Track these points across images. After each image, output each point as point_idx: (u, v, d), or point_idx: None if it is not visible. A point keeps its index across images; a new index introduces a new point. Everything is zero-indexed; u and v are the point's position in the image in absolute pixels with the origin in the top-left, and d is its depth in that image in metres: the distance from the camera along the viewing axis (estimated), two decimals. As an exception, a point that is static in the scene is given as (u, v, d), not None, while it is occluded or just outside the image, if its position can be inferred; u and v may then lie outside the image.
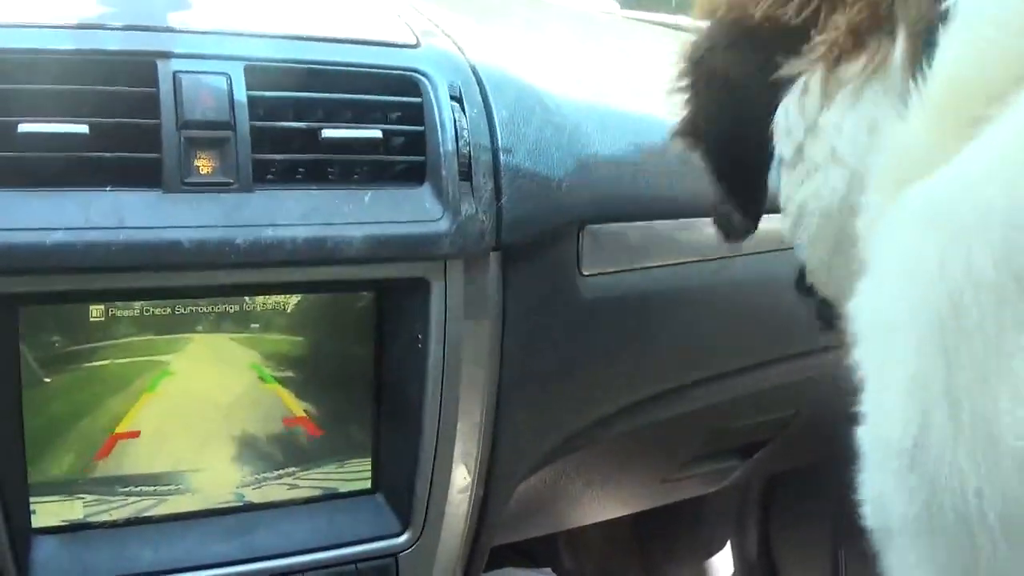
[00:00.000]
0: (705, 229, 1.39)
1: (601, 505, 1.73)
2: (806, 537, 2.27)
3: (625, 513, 1.93)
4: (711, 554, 2.33)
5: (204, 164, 1.04)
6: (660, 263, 1.38)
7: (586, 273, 1.30)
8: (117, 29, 1.07)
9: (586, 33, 1.66)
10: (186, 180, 1.03)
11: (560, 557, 2.27)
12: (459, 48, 1.24)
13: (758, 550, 2.36)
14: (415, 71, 1.17)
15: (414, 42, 1.21)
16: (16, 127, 0.98)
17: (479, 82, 1.22)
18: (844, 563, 2.15)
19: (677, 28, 1.88)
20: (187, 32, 1.09)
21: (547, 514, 1.67)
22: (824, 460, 1.48)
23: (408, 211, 1.12)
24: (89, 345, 1.06)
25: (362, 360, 1.17)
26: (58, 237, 0.97)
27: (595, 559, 2.33)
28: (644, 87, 1.46)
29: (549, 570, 2.30)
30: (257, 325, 1.12)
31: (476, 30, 1.32)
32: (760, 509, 2.36)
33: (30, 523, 1.07)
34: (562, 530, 2.04)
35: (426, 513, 1.20)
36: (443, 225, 1.13)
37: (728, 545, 2.35)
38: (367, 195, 1.10)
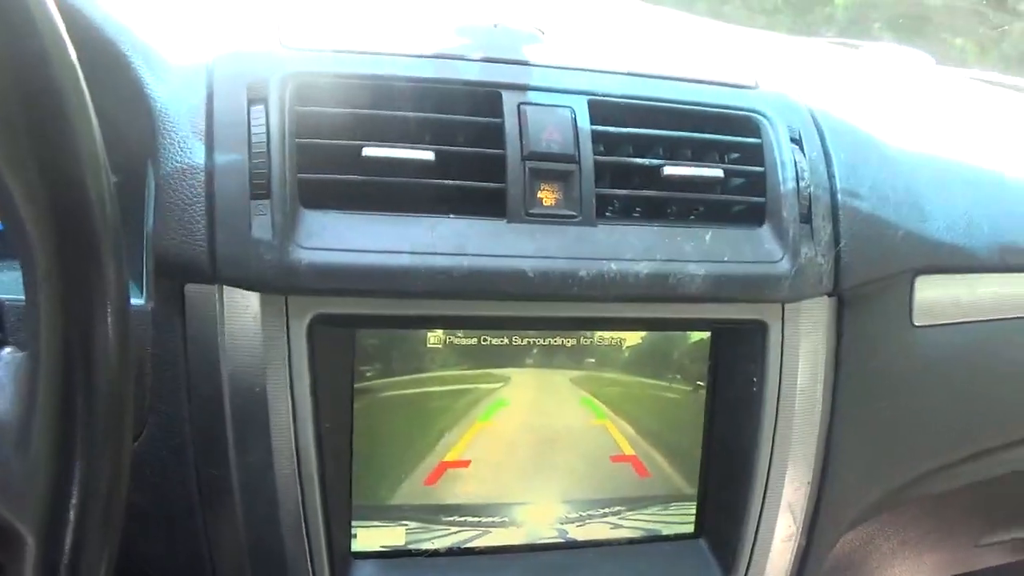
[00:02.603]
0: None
1: (910, 568, 1.59)
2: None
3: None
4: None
5: (547, 196, 0.97)
6: (993, 317, 1.25)
7: (918, 324, 1.18)
8: (457, 59, 1.01)
9: (909, 85, 1.54)
10: (530, 211, 0.96)
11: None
12: (796, 92, 1.14)
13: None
14: (755, 112, 1.07)
15: (752, 83, 1.11)
16: (360, 151, 0.93)
17: (817, 126, 1.11)
18: None
19: (993, 84, 1.76)
20: (532, 65, 1.02)
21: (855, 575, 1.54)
22: None
23: (748, 252, 1.01)
24: (424, 371, 0.99)
25: (694, 401, 1.07)
26: (403, 261, 0.91)
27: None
28: (975, 140, 1.34)
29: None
30: (592, 360, 1.02)
31: (809, 75, 1.22)
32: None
33: (351, 547, 1.01)
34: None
35: (749, 561, 1.09)
36: (783, 267, 1.02)
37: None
38: (708, 233, 1.01)
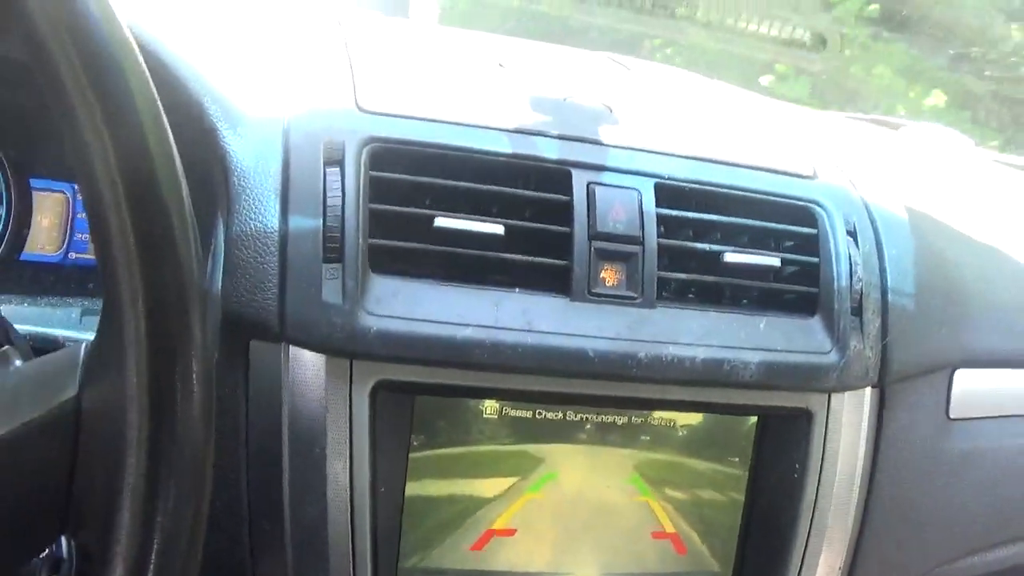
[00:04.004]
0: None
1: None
2: None
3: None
4: None
5: (610, 276, 0.99)
6: (1029, 413, 1.27)
7: (953, 417, 1.20)
8: (529, 134, 1.03)
9: (954, 172, 1.56)
10: (593, 290, 0.98)
11: None
12: (851, 182, 1.16)
13: None
14: (813, 202, 1.09)
15: (811, 173, 1.13)
16: (432, 220, 0.95)
17: (871, 218, 1.13)
18: None
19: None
20: (601, 144, 1.04)
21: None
22: None
23: (799, 341, 1.03)
24: (479, 440, 1.01)
25: (736, 483, 1.09)
26: (468, 333, 0.93)
27: None
28: (1016, 229, 1.37)
29: None
30: (641, 438, 1.04)
31: (863, 164, 1.23)
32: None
33: None
34: None
35: None
36: (832, 358, 1.04)
37: None
38: (762, 322, 1.03)
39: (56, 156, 1.18)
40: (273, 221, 0.94)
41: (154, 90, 0.67)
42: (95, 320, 0.97)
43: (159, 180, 0.66)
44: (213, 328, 0.94)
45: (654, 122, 1.14)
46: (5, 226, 1.19)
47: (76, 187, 1.17)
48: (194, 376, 0.69)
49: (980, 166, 1.69)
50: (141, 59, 0.66)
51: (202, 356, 0.69)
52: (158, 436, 0.68)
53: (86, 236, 1.19)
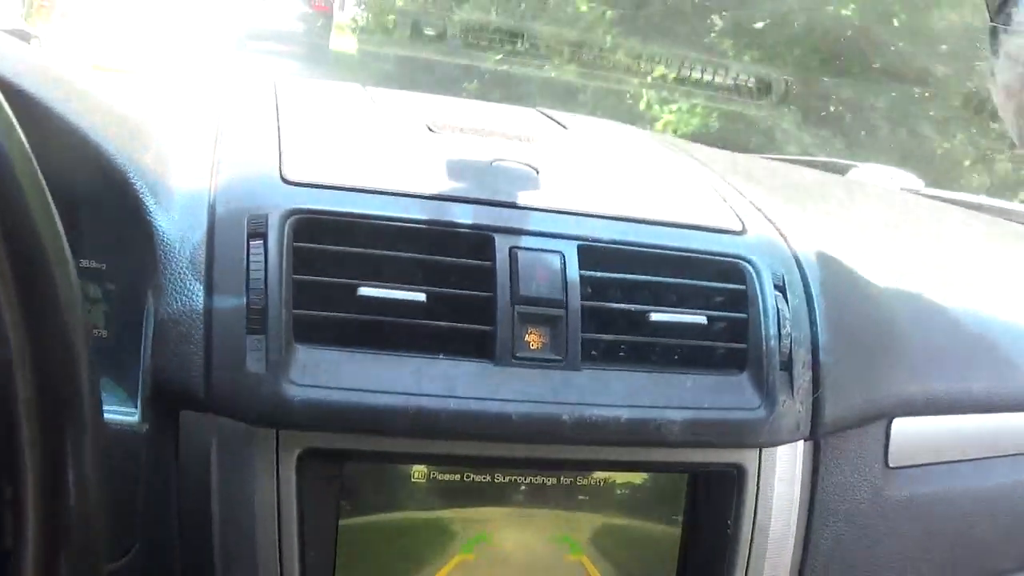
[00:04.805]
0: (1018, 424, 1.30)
1: None
2: None
3: None
4: None
5: (534, 339, 1.00)
6: (970, 457, 1.28)
7: (892, 466, 1.21)
8: (453, 200, 1.05)
9: (896, 214, 1.58)
10: (517, 354, 0.99)
11: None
12: (782, 235, 1.18)
13: None
14: (741, 258, 1.10)
15: (739, 228, 1.15)
16: (355, 290, 0.97)
17: (801, 271, 1.15)
18: None
19: (979, 208, 1.80)
20: (525, 209, 1.06)
21: None
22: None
23: (727, 398, 1.05)
24: (408, 504, 1.02)
25: (669, 540, 1.09)
26: (392, 401, 0.94)
27: None
28: (958, 274, 1.38)
29: None
30: (572, 498, 1.05)
31: (796, 215, 1.25)
32: None
33: None
34: None
35: None
36: (761, 414, 1.05)
37: None
38: (689, 380, 1.04)
39: None
40: (199, 294, 0.95)
41: (36, 165, 0.69)
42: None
43: (44, 248, 0.68)
44: (144, 396, 0.96)
45: (581, 182, 1.16)
46: None
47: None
48: (86, 433, 0.70)
49: (927, 206, 1.71)
50: (22, 135, 0.68)
51: (92, 413, 0.71)
52: (51, 492, 0.70)
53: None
